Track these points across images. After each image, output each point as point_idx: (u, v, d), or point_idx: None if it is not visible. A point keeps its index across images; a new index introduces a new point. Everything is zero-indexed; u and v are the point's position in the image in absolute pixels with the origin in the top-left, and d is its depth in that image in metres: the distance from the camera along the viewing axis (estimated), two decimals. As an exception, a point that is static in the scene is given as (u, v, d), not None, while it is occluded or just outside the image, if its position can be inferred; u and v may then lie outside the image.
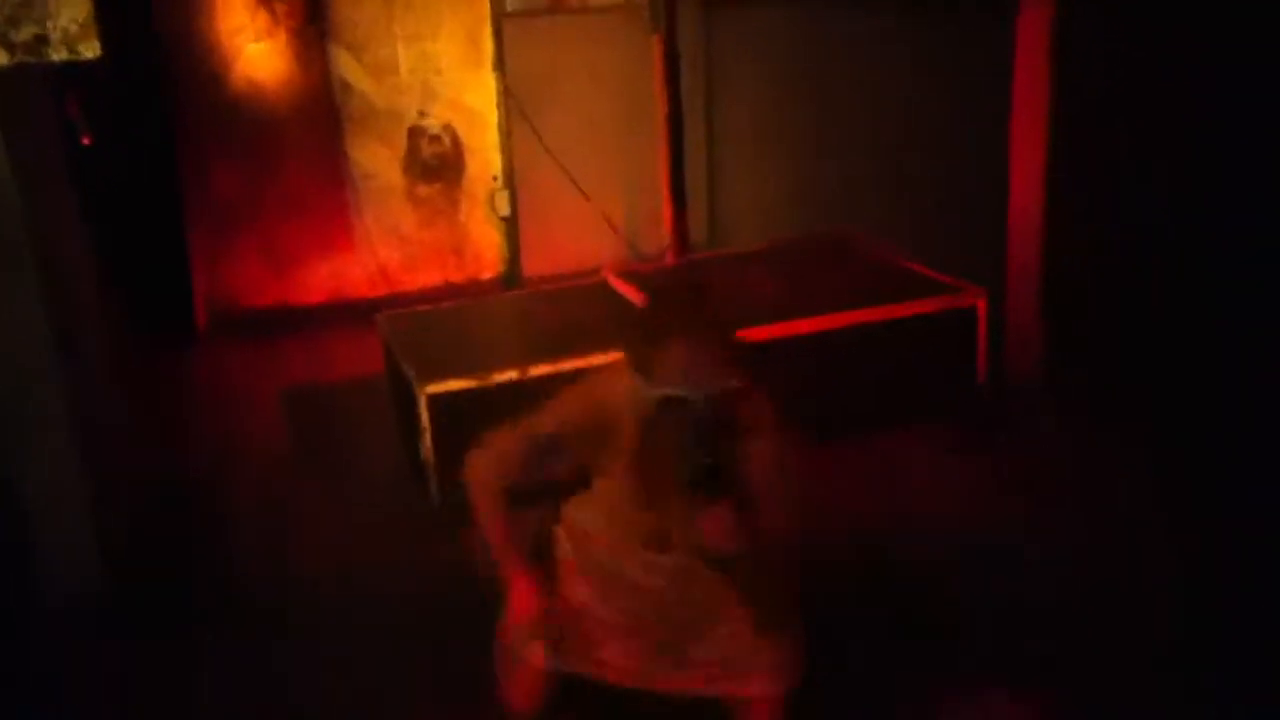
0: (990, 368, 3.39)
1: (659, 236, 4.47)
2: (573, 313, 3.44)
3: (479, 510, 1.92)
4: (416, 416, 2.92)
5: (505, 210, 4.88)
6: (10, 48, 2.48)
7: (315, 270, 4.74)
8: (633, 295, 3.46)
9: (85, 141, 4.34)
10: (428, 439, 2.91)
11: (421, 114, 4.76)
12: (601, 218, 4.77)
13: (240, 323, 4.57)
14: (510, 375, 2.96)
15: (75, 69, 2.58)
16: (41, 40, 2.50)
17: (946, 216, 3.71)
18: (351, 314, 4.51)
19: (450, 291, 4.78)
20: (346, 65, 4.64)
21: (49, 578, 2.63)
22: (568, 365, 2.98)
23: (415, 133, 4.78)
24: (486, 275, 4.95)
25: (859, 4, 3.86)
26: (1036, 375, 3.45)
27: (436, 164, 4.83)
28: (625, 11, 4.55)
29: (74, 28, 2.52)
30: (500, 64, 4.72)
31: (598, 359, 3.00)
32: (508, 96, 4.72)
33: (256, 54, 4.51)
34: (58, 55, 2.54)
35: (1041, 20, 3.23)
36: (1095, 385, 3.41)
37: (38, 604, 2.62)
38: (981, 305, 3.31)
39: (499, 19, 4.66)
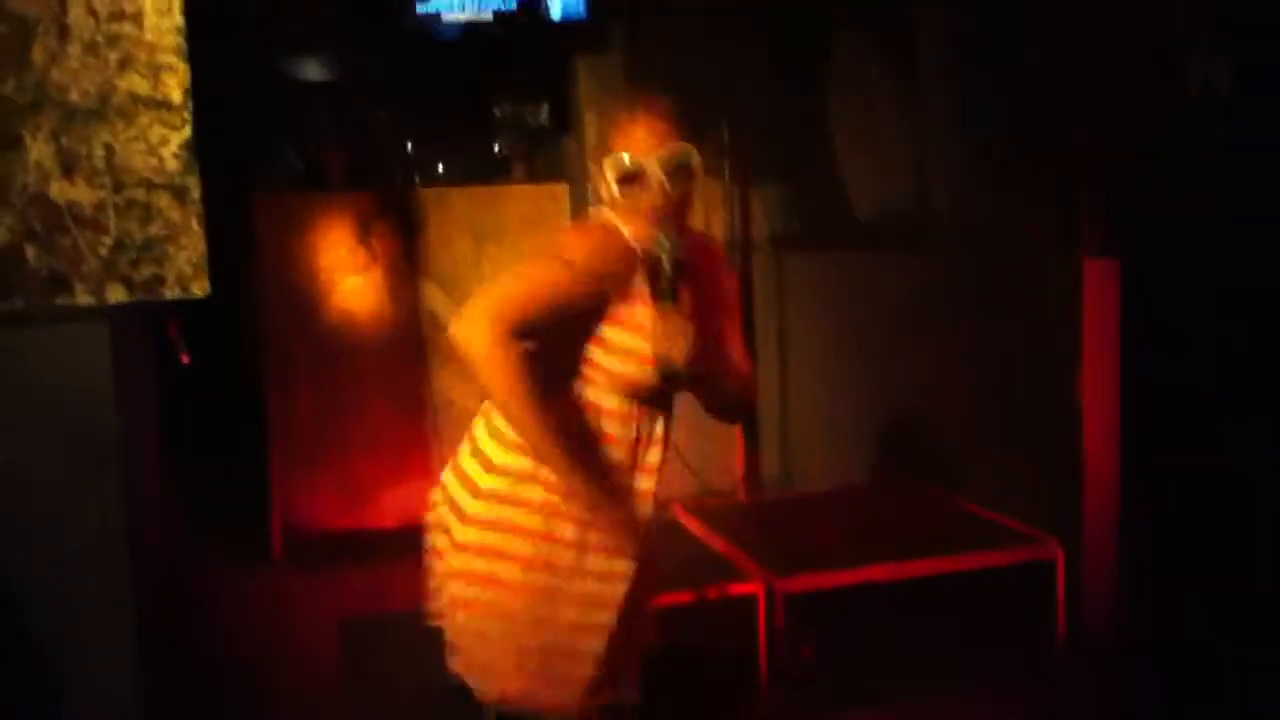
0: (1065, 622, 3.28)
1: (731, 472, 4.50)
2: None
3: (527, 411, 1.82)
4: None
5: (579, 440, 4.96)
6: (130, 286, 2.68)
7: (390, 497, 4.82)
8: (701, 533, 3.46)
9: (184, 361, 4.58)
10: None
11: (503, 345, 4.94)
12: (672, 453, 4.81)
13: (315, 547, 4.63)
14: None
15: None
16: (158, 280, 2.70)
17: (1018, 460, 3.70)
18: (423, 543, 4.53)
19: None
20: (436, 298, 4.87)
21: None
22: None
23: (496, 363, 4.94)
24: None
25: (925, 251, 3.99)
26: (1111, 632, 3.32)
27: (515, 393, 4.97)
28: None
29: (188, 269, 2.72)
30: (581, 300, 4.92)
31: (667, 599, 2.99)
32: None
33: (352, 288, 4.77)
34: (171, 293, 2.73)
35: (1109, 270, 3.30)
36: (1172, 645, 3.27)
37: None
38: (1060, 557, 3.24)
39: (581, 259, 4.90)
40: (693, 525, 3.52)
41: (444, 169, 5.06)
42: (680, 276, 1.80)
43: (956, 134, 4.06)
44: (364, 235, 4.77)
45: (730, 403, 2.05)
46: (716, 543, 3.36)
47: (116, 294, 2.68)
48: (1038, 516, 3.41)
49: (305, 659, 3.59)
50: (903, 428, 4.32)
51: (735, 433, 4.41)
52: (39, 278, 2.64)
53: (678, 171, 1.83)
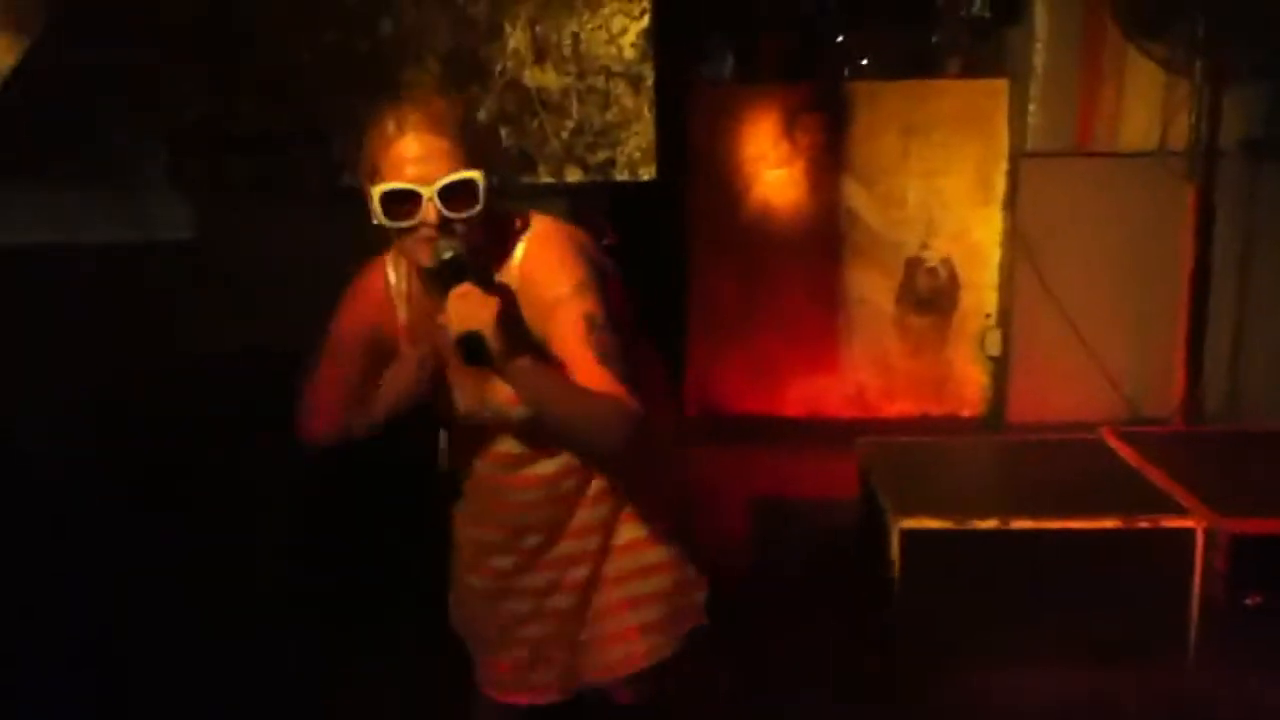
0: None
1: (1167, 400, 4.13)
2: (1063, 467, 3.25)
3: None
4: (887, 549, 2.91)
5: (995, 350, 4.76)
6: (585, 168, 2.88)
7: (797, 386, 4.91)
8: (1132, 459, 3.22)
9: (609, 241, 4.86)
10: (895, 573, 2.88)
11: (922, 246, 4.81)
12: (1101, 371, 4.50)
13: (720, 426, 4.83)
14: (990, 524, 2.85)
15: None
16: (611, 163, 2.87)
17: None
18: (826, 432, 4.60)
19: (927, 424, 4.73)
20: (856, 195, 4.81)
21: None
22: (1053, 524, 2.83)
23: (913, 264, 4.83)
24: (966, 413, 4.84)
25: None
26: None
27: (930, 296, 4.84)
28: (1157, 159, 4.31)
29: (638, 154, 2.87)
30: (1011, 202, 4.66)
31: (1087, 522, 2.83)
32: (1014, 236, 4.64)
33: (773, 180, 4.82)
34: (621, 176, 2.90)
35: None
36: None
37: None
38: None
39: (1016, 158, 4.61)
40: (1123, 450, 3.28)
41: (876, 61, 4.92)
42: (470, 270, 1.54)
43: None
44: (791, 128, 4.78)
45: (585, 434, 1.59)
46: (1149, 471, 3.11)
47: (573, 174, 2.89)
48: None
49: (713, 530, 3.78)
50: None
51: (1176, 355, 4.03)
52: (509, 157, 2.89)
53: (457, 197, 1.54)
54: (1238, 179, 4.27)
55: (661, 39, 2.94)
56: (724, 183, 4.82)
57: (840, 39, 5.01)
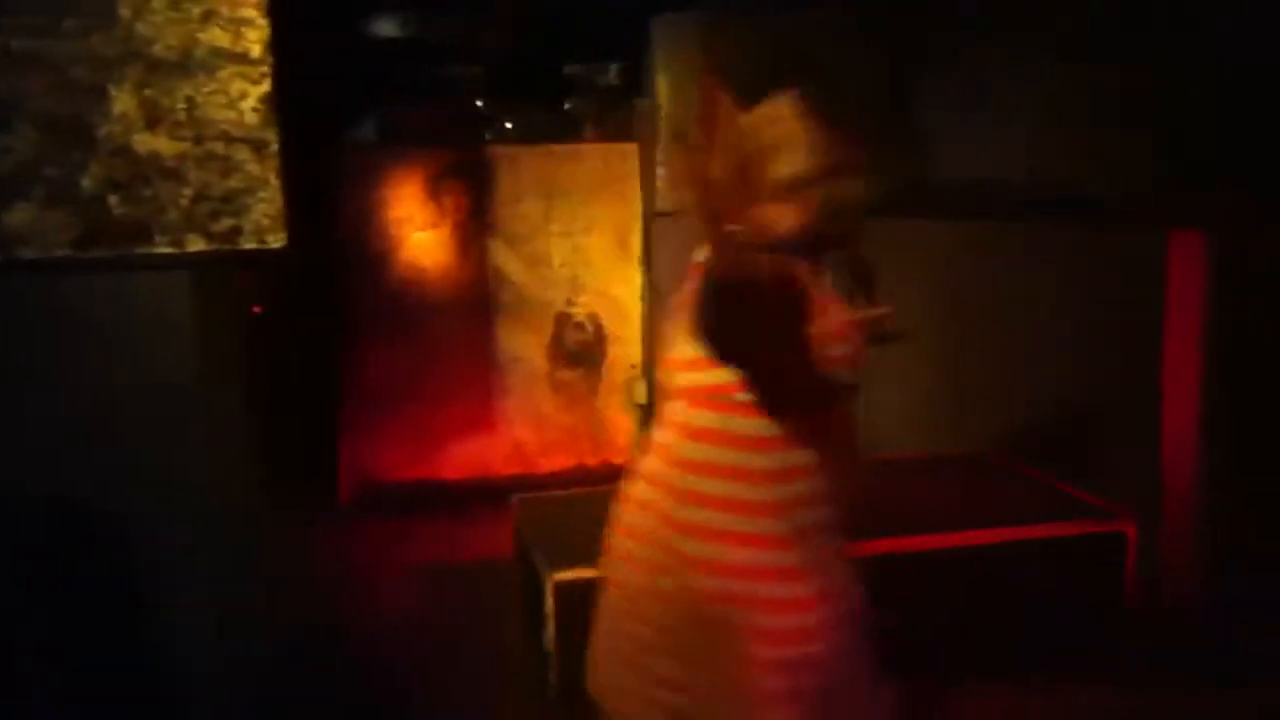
0: (1141, 598, 3.23)
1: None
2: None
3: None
4: (542, 604, 2.94)
5: (642, 398, 4.99)
6: (209, 237, 2.73)
7: (456, 448, 4.90)
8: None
9: (255, 310, 4.67)
10: (551, 627, 2.92)
11: (569, 303, 4.97)
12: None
13: (382, 497, 4.73)
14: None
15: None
16: (236, 231, 2.75)
17: (1094, 434, 3.64)
18: (489, 492, 4.62)
19: (584, 476, 4.86)
20: (503, 256, 4.90)
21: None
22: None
23: (561, 320, 4.98)
24: (620, 461, 5.03)
25: (1011, 222, 3.91)
26: (1191, 607, 3.27)
27: (579, 350, 5.01)
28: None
29: (266, 221, 2.77)
30: (647, 260, 4.92)
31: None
32: (651, 290, 4.90)
33: (420, 242, 4.82)
34: (248, 244, 2.78)
35: (1194, 244, 3.21)
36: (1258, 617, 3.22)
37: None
38: (1131, 532, 3.19)
39: (649, 218, 4.89)
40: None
41: (515, 128, 5.07)
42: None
43: (1045, 103, 3.96)
44: (436, 192, 4.80)
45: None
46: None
47: (195, 244, 2.73)
48: (1119, 492, 3.36)
49: (371, 604, 3.67)
50: (981, 399, 4.27)
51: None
52: (122, 227, 2.70)
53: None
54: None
55: (296, 104, 2.87)
56: (371, 248, 4.76)
57: (480, 104, 5.12)
